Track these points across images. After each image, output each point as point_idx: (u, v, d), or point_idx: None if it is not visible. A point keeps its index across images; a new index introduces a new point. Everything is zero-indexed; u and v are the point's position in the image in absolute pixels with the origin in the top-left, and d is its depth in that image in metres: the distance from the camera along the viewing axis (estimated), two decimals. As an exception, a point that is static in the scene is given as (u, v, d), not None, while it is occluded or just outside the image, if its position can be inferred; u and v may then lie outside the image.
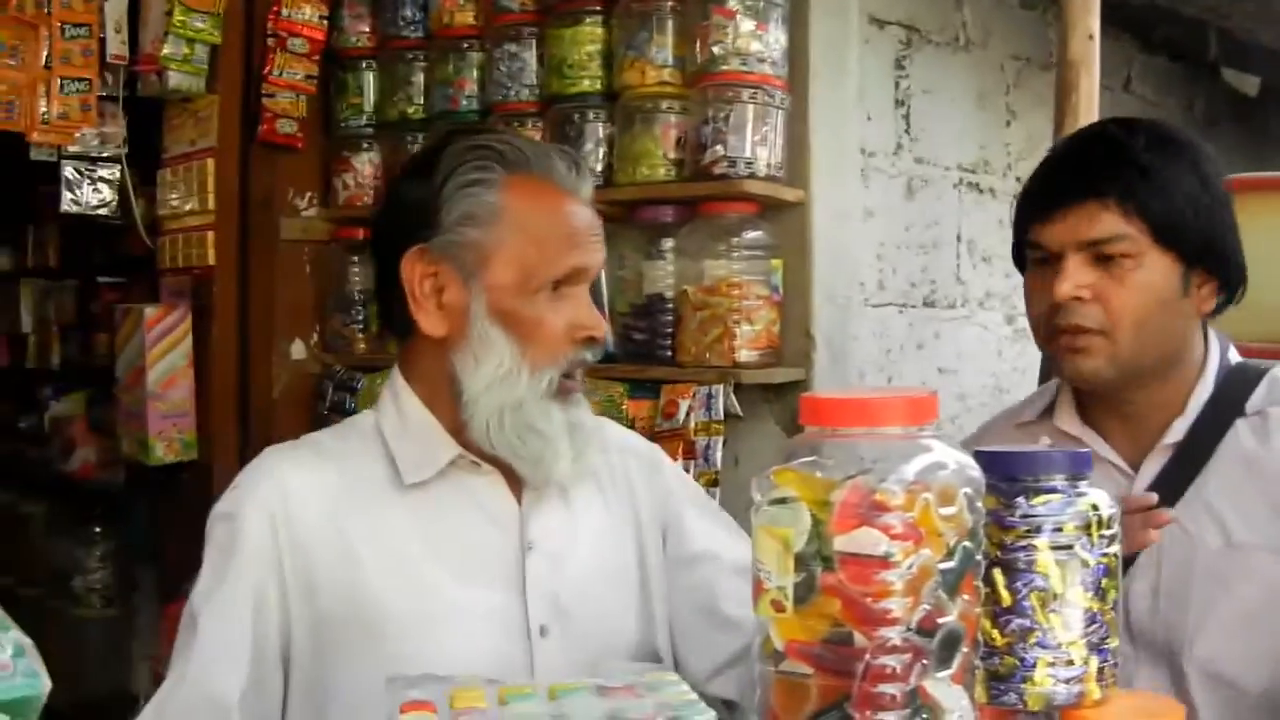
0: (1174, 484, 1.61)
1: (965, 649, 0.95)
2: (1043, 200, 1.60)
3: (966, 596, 0.96)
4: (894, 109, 2.84)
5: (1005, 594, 1.06)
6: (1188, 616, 1.56)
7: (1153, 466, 1.63)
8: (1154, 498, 1.48)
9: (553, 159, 1.48)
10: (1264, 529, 1.58)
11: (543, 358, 1.43)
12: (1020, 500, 1.06)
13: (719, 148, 2.25)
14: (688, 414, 2.17)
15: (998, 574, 1.06)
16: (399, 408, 1.51)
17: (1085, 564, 1.06)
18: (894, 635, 0.90)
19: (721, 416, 2.18)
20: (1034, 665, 1.05)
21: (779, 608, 0.95)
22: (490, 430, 1.43)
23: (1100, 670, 1.07)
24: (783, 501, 0.95)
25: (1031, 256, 1.62)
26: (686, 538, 1.61)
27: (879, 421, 0.95)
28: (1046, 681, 1.05)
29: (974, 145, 3.10)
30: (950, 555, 0.93)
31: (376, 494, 1.47)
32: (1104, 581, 1.07)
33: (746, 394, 2.31)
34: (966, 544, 0.95)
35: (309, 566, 1.43)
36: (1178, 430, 1.63)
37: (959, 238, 3.02)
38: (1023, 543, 1.05)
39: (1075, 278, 1.55)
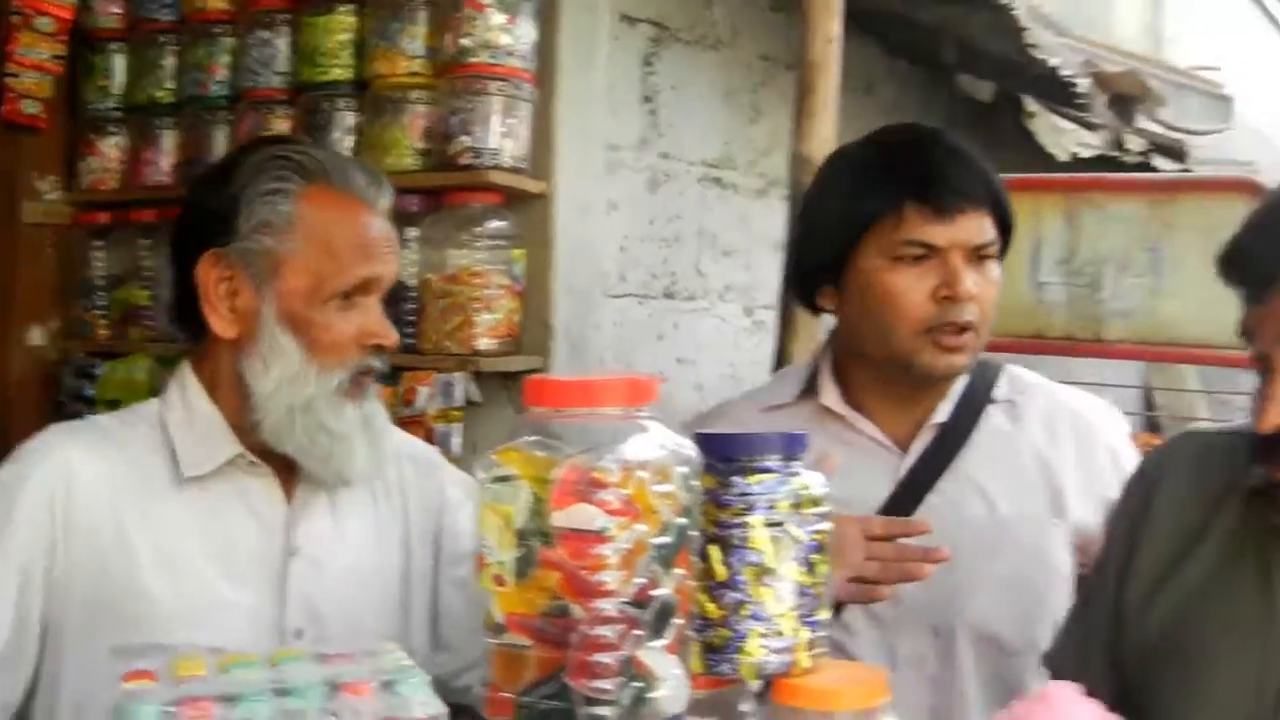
0: (940, 460, 1.75)
1: (679, 620, 0.99)
2: (935, 202, 1.66)
3: (681, 570, 1.00)
4: (641, 104, 2.91)
5: (720, 569, 1.10)
6: (957, 580, 1.67)
7: (919, 445, 1.76)
8: (924, 526, 1.57)
9: (351, 171, 1.52)
10: (1022, 501, 1.74)
11: (331, 362, 1.47)
12: (736, 479, 1.11)
13: (465, 138, 2.26)
14: (428, 400, 2.19)
15: (713, 550, 1.10)
16: (185, 401, 1.52)
17: (797, 540, 1.11)
18: (609, 607, 0.94)
19: (461, 403, 2.21)
20: (746, 636, 1.10)
21: (500, 582, 0.97)
22: (281, 430, 1.46)
23: (810, 641, 1.13)
24: (505, 479, 0.98)
25: (907, 253, 1.67)
26: (460, 538, 1.64)
27: (599, 402, 0.99)
28: (759, 652, 1.10)
29: (719, 141, 3.20)
30: (665, 531, 0.98)
31: (156, 485, 1.49)
32: (813, 557, 1.13)
33: (486, 382, 2.34)
34: (681, 520, 1.00)
35: (82, 550, 1.44)
36: (943, 412, 1.76)
37: (700, 231, 3.10)
38: (738, 520, 1.10)
39: (972, 276, 1.66)
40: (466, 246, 2.27)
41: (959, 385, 1.78)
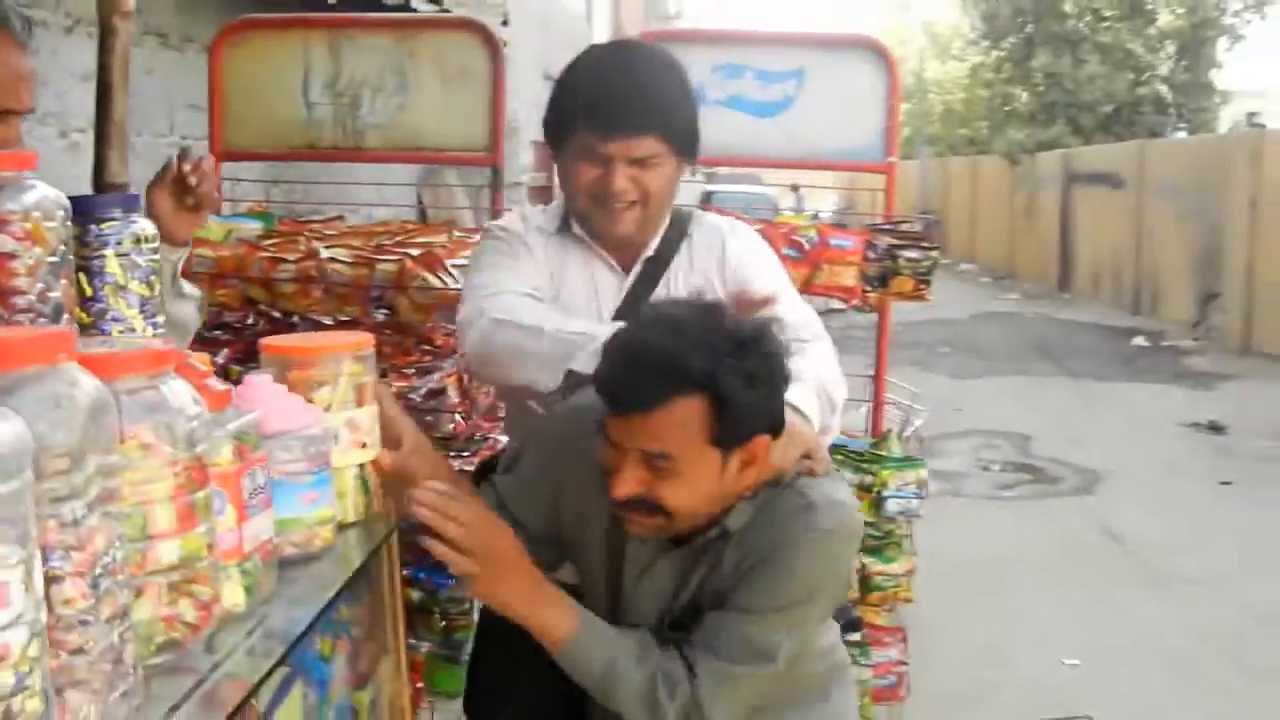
0: (653, 278, 2.39)
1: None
2: (603, 123, 2.21)
3: (65, 281, 1.54)
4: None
5: (88, 288, 1.65)
6: None
7: (638, 268, 2.40)
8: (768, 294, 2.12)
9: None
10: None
11: None
12: (93, 227, 1.65)
13: None
14: None
15: (82, 276, 1.65)
16: None
17: (137, 265, 1.68)
18: (21, 301, 1.46)
19: None
20: (110, 330, 1.66)
21: (-60, 294, 1.45)
22: None
23: (151, 327, 1.71)
24: (-64, 225, 1.45)
25: (584, 156, 2.25)
26: None
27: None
28: (117, 334, 1.66)
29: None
30: (54, 254, 1.50)
31: None
32: (151, 278, 1.70)
33: None
34: (63, 247, 1.53)
35: None
36: (652, 247, 2.40)
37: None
38: (98, 253, 1.65)
39: (625, 174, 2.24)
40: None
41: (663, 228, 2.42)
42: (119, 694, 1.08)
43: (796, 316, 2.30)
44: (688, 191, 4.72)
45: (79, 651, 1.03)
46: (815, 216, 4.31)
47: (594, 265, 2.39)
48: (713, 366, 1.72)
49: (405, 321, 2.73)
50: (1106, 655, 5.55)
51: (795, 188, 16.64)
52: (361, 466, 1.68)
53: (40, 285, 1.46)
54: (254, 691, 1.27)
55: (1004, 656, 5.49)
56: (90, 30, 2.91)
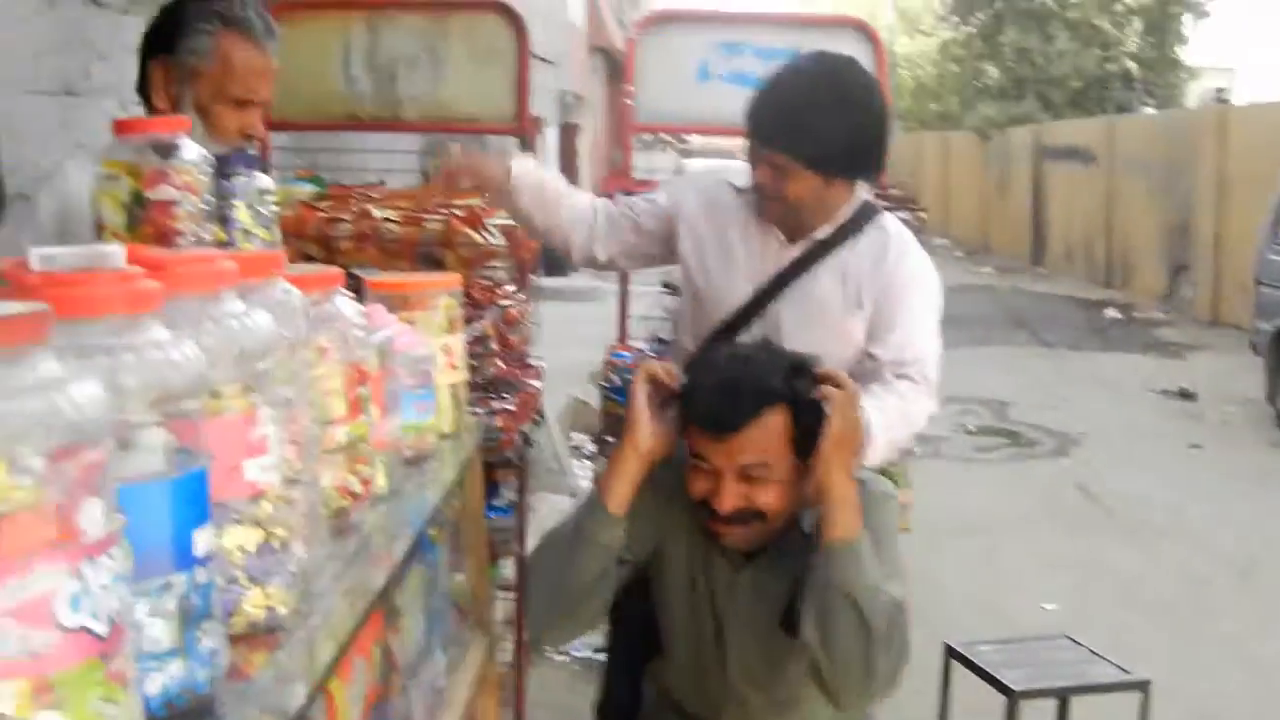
0: (814, 258, 2.69)
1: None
2: (754, 131, 2.59)
3: (212, 226, 1.81)
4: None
5: (221, 234, 1.92)
6: (786, 332, 2.65)
7: (804, 244, 2.69)
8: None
9: (254, 20, 2.36)
10: (842, 296, 2.68)
11: (219, 138, 2.33)
12: (224, 181, 1.92)
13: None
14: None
15: (218, 224, 1.92)
16: None
17: (261, 213, 1.95)
18: (181, 241, 1.72)
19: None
20: (241, 269, 1.93)
21: (116, 236, 1.72)
22: None
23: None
24: (113, 178, 1.72)
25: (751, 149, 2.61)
26: None
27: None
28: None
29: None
30: (204, 202, 1.77)
31: None
32: (271, 225, 1.98)
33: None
34: (209, 196, 1.79)
35: None
36: (823, 232, 2.69)
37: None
38: (229, 203, 1.92)
39: (768, 173, 2.60)
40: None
41: (839, 220, 2.69)
42: (316, 541, 1.36)
43: (916, 352, 2.64)
44: (664, 163, 5.04)
45: (290, 503, 1.31)
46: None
47: (765, 229, 2.73)
48: (787, 380, 2.15)
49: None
50: (1083, 600, 5.88)
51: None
52: (454, 386, 1.96)
53: (196, 228, 1.74)
54: (402, 559, 1.55)
55: (986, 602, 5.82)
56: (148, 9, 3.16)
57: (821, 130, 2.52)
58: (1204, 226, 16.61)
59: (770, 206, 2.65)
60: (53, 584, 0.82)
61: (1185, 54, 27.78)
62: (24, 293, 0.99)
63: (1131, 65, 27.29)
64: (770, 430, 2.13)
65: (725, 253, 2.74)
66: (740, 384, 2.14)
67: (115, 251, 1.03)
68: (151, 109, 2.35)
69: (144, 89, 2.38)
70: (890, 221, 2.75)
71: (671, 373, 2.27)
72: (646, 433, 2.19)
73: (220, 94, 2.30)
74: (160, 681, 1.00)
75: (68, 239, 2.23)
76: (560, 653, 4.98)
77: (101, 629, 0.85)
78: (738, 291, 2.73)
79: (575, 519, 2.25)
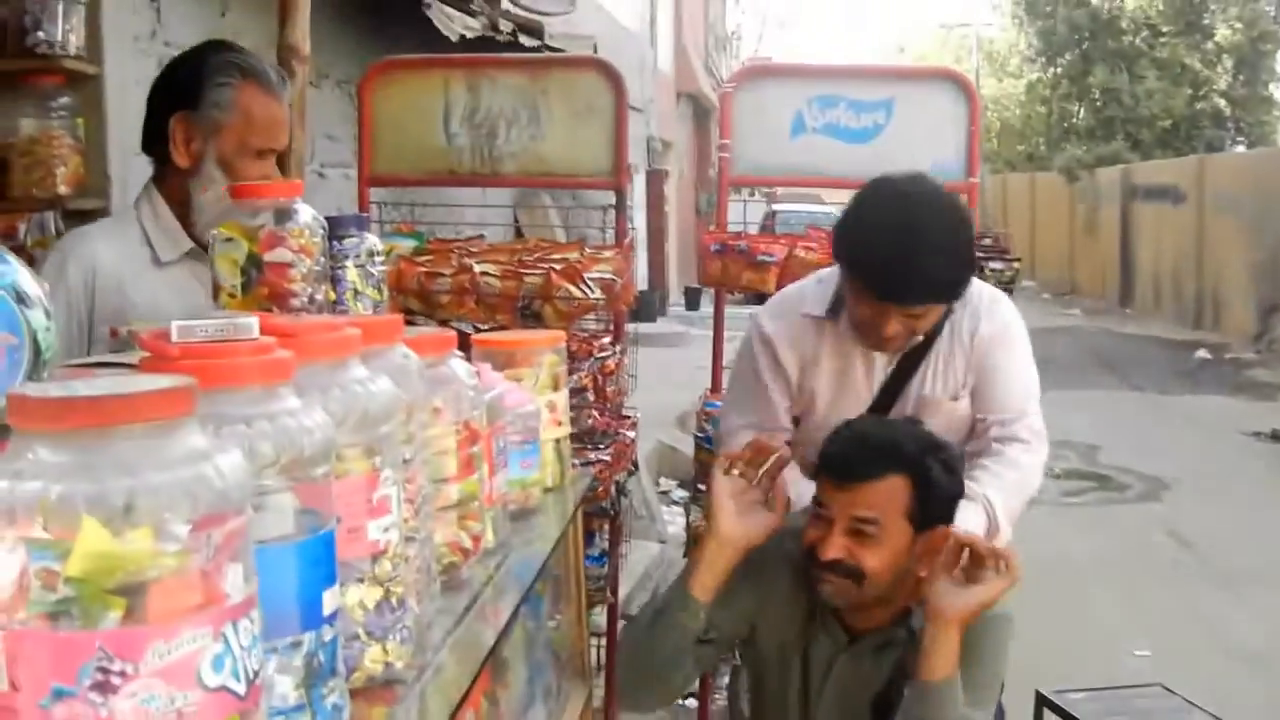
0: (914, 362, 2.61)
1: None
2: (883, 294, 2.42)
3: (325, 285, 1.86)
4: (149, 5, 3.52)
5: (332, 293, 1.97)
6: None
7: (898, 356, 2.61)
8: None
9: (271, 72, 2.34)
10: (949, 385, 2.64)
11: None
12: (335, 242, 1.98)
13: (39, 33, 2.83)
14: (25, 234, 2.80)
15: (328, 285, 1.98)
16: (154, 209, 2.33)
17: (371, 274, 2.01)
18: (296, 302, 1.78)
19: (52, 233, 2.85)
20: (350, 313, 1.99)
21: (232, 296, 1.78)
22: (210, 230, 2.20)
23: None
24: (229, 240, 1.78)
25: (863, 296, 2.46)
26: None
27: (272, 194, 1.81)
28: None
29: (208, 32, 3.84)
30: (317, 263, 1.83)
31: (142, 265, 2.26)
32: (381, 284, 2.03)
33: (67, 218, 2.99)
34: (323, 258, 1.85)
35: (102, 301, 2.23)
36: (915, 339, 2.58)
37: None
38: (340, 264, 1.98)
39: (900, 324, 2.45)
40: (41, 117, 2.87)
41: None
42: (428, 596, 1.40)
43: (1018, 406, 2.62)
44: (754, 211, 5.02)
45: (407, 560, 1.34)
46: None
47: (855, 350, 2.63)
48: (920, 454, 2.19)
49: (548, 328, 3.05)
50: (1175, 647, 5.76)
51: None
52: (558, 441, 2.00)
53: (309, 289, 1.79)
54: (511, 614, 1.58)
55: (1077, 649, 5.72)
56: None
57: (957, 273, 2.47)
58: (1298, 265, 16.32)
59: (889, 346, 2.58)
60: (198, 646, 0.85)
61: (1277, 91, 27.36)
62: (165, 364, 1.04)
63: (1222, 103, 26.92)
64: (891, 492, 2.17)
65: (834, 379, 2.66)
66: (873, 440, 2.23)
67: (251, 323, 1.08)
68: (165, 164, 2.34)
69: (150, 144, 2.36)
70: (974, 292, 2.66)
71: (762, 446, 2.28)
72: (729, 524, 2.23)
73: (243, 146, 2.30)
74: (287, 736, 1.03)
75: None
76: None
77: (240, 689, 0.89)
78: (855, 411, 2.64)
79: (664, 597, 2.29)
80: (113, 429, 0.83)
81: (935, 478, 2.20)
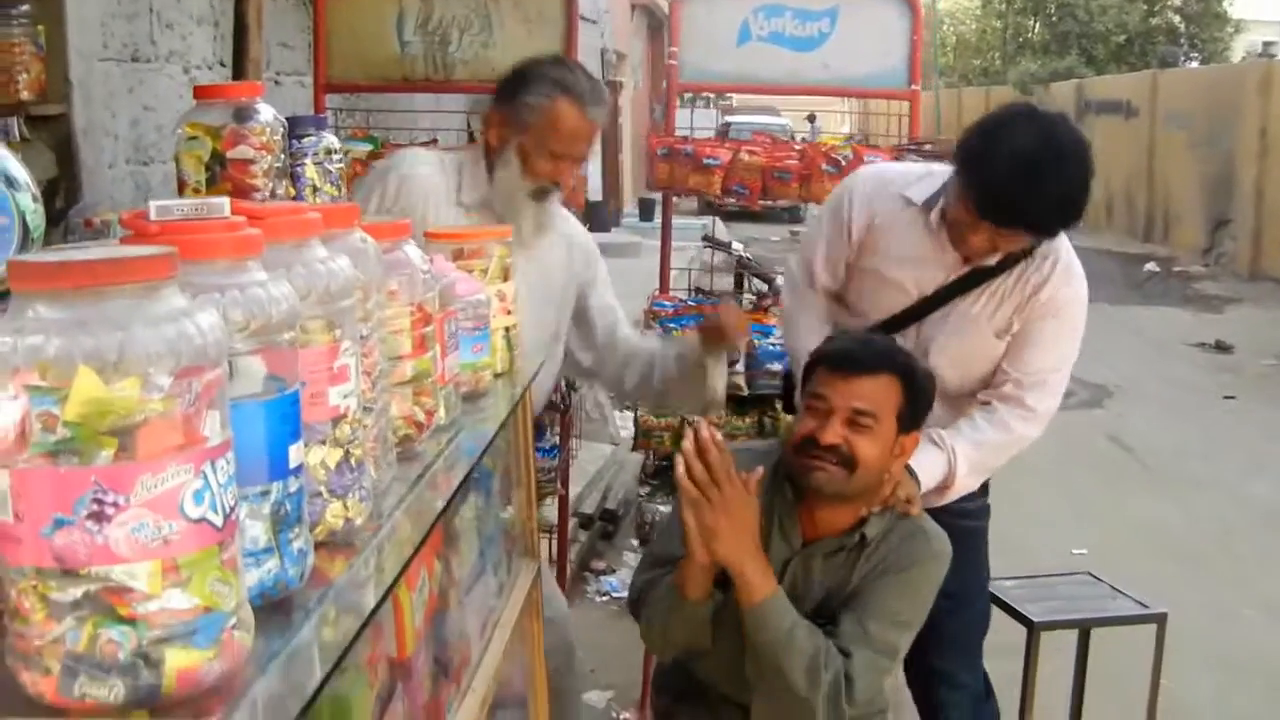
0: (979, 278, 2.71)
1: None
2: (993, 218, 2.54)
3: (285, 182, 1.97)
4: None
5: (291, 189, 2.08)
6: (941, 347, 2.78)
7: (969, 266, 2.70)
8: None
9: (585, 87, 2.77)
10: (1000, 317, 2.75)
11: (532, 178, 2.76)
12: (294, 141, 2.08)
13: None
14: (-9, 139, 2.88)
15: (287, 180, 2.08)
16: (475, 161, 2.86)
17: (329, 171, 2.12)
18: (257, 196, 1.88)
19: (16, 139, 2.90)
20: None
21: (196, 191, 1.88)
22: (501, 199, 2.79)
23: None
24: (194, 139, 1.88)
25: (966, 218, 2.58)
26: (598, 286, 3.13)
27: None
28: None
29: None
30: (277, 160, 1.93)
31: (446, 197, 2.81)
32: (339, 181, 2.14)
33: (31, 124, 3.04)
34: (282, 155, 1.95)
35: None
36: (994, 258, 2.68)
37: (150, 9, 3.81)
38: (299, 162, 2.08)
39: (985, 241, 2.60)
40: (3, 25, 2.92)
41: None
42: (385, 464, 1.53)
43: (1041, 376, 2.77)
44: (702, 118, 5.15)
45: (365, 427, 1.47)
46: (850, 139, 4.71)
47: (938, 243, 2.73)
48: (909, 361, 2.44)
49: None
50: (1113, 545, 5.99)
51: (811, 117, 16.90)
52: (507, 329, 2.12)
53: (270, 184, 1.90)
54: (460, 484, 1.72)
55: (1017, 545, 5.93)
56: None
57: (1058, 219, 2.59)
58: (1246, 180, 16.52)
59: (975, 251, 2.68)
60: (181, 480, 0.97)
61: (1231, 8, 27.46)
62: (145, 239, 1.15)
63: (1176, 19, 27.01)
64: (887, 389, 2.35)
65: (905, 255, 2.77)
66: (876, 343, 2.47)
67: (222, 203, 1.19)
68: (481, 140, 2.90)
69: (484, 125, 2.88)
70: (1062, 249, 2.78)
71: (706, 447, 2.25)
72: (703, 554, 2.25)
73: (542, 146, 2.72)
74: (257, 576, 1.16)
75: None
76: (601, 592, 5.17)
77: (218, 521, 1.01)
78: (906, 289, 2.80)
79: (664, 597, 2.38)
80: (104, 289, 0.94)
81: (921, 385, 2.42)
